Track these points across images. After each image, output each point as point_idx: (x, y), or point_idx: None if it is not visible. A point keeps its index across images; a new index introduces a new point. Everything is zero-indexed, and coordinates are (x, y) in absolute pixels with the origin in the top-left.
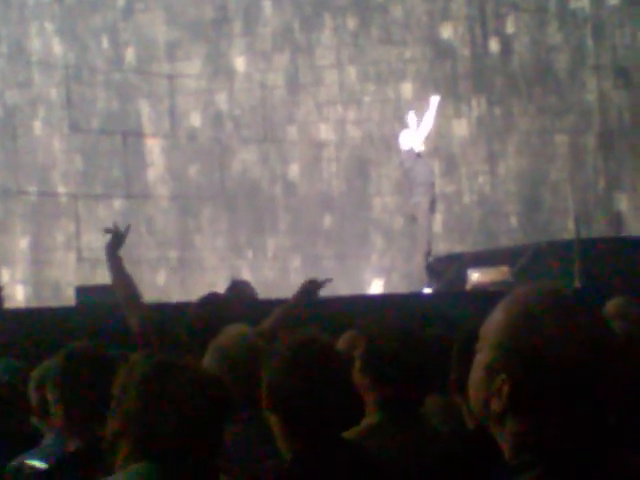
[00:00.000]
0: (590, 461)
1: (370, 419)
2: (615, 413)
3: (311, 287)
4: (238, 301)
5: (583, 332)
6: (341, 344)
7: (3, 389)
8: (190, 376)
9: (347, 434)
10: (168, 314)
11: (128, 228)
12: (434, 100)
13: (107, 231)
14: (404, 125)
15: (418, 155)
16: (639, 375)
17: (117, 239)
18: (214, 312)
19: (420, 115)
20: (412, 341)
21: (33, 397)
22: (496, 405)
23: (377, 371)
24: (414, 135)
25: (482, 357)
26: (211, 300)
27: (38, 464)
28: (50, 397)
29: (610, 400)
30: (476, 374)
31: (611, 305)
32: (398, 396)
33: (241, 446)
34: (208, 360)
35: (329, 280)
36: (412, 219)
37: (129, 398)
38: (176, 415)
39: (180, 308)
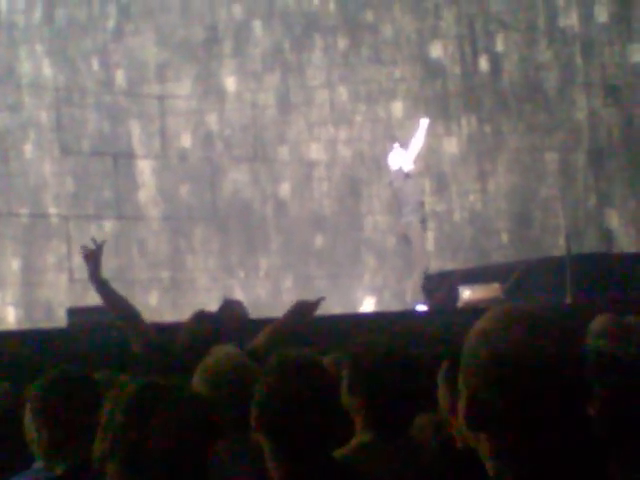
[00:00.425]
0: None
1: (359, 438)
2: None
3: (302, 308)
4: (229, 320)
5: (527, 347)
6: (328, 364)
7: None
8: (178, 399)
9: (336, 453)
10: (161, 335)
11: (101, 245)
12: (424, 122)
13: (84, 252)
14: (393, 145)
15: (407, 175)
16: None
17: (93, 262)
18: (207, 331)
19: (410, 135)
20: (398, 360)
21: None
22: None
23: (363, 391)
24: (403, 155)
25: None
26: (202, 319)
27: None
28: (32, 423)
29: (575, 415)
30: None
31: (596, 323)
32: (386, 415)
33: (227, 467)
34: (197, 381)
35: (322, 299)
36: (404, 238)
37: (116, 420)
38: (163, 438)
39: (173, 328)
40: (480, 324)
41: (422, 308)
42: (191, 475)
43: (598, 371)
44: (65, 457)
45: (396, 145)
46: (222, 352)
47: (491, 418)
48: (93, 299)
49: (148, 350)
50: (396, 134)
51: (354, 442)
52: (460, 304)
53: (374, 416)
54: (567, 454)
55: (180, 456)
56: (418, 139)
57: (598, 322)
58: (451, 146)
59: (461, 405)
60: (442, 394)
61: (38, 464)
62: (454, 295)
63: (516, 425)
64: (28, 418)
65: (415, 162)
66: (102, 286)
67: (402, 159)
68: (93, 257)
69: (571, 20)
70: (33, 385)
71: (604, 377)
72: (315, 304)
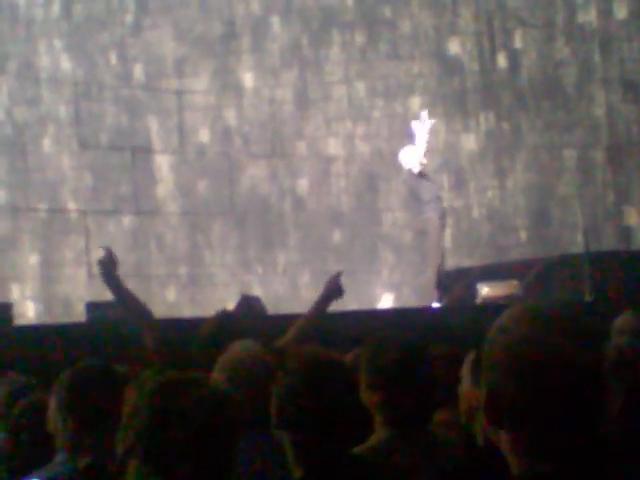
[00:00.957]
0: (601, 477)
1: (378, 435)
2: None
3: (329, 288)
4: (248, 318)
5: (545, 345)
6: (349, 360)
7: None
8: (201, 392)
9: (356, 450)
10: (179, 330)
11: (111, 253)
12: (424, 116)
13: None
14: (406, 142)
15: (420, 174)
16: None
17: (109, 263)
18: (224, 329)
19: (418, 132)
20: (416, 355)
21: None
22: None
23: (382, 387)
24: (412, 154)
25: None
26: (223, 318)
27: None
28: (57, 414)
29: (590, 411)
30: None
31: (620, 319)
32: (405, 412)
33: (248, 463)
34: (216, 376)
35: (340, 272)
36: (423, 234)
37: (139, 414)
38: (186, 432)
39: (191, 324)
40: (500, 320)
41: (437, 305)
42: (216, 471)
43: (619, 368)
44: (90, 449)
45: (409, 140)
46: (241, 347)
47: (510, 413)
48: (110, 295)
49: (159, 345)
50: (412, 131)
51: (373, 438)
52: (478, 301)
53: (393, 412)
54: (585, 451)
55: (204, 452)
56: (422, 137)
57: (622, 319)
58: (469, 142)
59: (481, 400)
60: (465, 389)
61: (60, 457)
62: (472, 292)
63: (535, 421)
64: (53, 409)
65: (425, 160)
66: (116, 285)
67: (411, 159)
68: (111, 260)
69: (590, 16)
70: (59, 376)
71: (625, 373)
72: (337, 277)
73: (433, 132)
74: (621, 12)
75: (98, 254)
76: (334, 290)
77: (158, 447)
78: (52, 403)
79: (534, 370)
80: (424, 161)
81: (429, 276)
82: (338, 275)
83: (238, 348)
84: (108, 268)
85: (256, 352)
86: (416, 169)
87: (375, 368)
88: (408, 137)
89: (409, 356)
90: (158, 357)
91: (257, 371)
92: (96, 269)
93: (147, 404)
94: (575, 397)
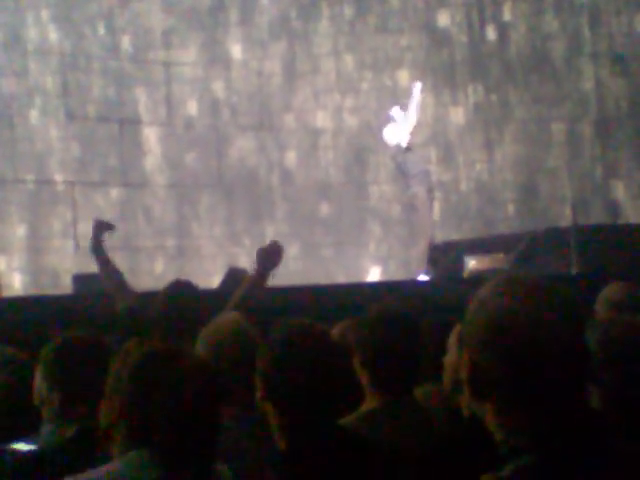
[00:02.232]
0: (585, 448)
1: (367, 405)
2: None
3: (263, 256)
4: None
5: (524, 314)
6: (336, 333)
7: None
8: (183, 363)
9: (344, 421)
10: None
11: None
12: (417, 88)
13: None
14: (390, 116)
15: (407, 148)
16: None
17: (101, 231)
18: (183, 299)
19: (405, 108)
20: (403, 325)
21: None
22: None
23: (370, 358)
24: (399, 129)
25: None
26: (177, 287)
27: (24, 446)
28: (43, 384)
29: (573, 381)
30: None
31: (610, 291)
32: (392, 380)
33: (233, 435)
34: (201, 349)
35: (276, 241)
36: (411, 208)
37: (123, 386)
38: (171, 402)
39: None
40: (479, 292)
41: (424, 278)
42: (200, 441)
43: (608, 344)
44: (76, 419)
45: (393, 117)
46: (224, 319)
47: (492, 385)
48: None
49: (129, 313)
50: (391, 113)
51: (362, 409)
52: (465, 274)
53: (380, 381)
54: (568, 424)
55: (188, 421)
56: (412, 108)
57: (608, 290)
58: (457, 115)
59: (464, 373)
60: (450, 360)
61: (46, 427)
62: (460, 265)
63: (517, 393)
64: (39, 380)
65: (413, 134)
66: (101, 255)
67: (398, 134)
68: (105, 226)
69: None
70: (46, 347)
71: (614, 350)
72: (271, 246)
73: (422, 105)
74: None
75: (86, 226)
76: (267, 259)
77: (143, 418)
78: (38, 374)
79: (513, 342)
80: (408, 138)
81: (421, 249)
82: (273, 244)
83: (222, 321)
84: (98, 238)
85: (238, 324)
86: (404, 143)
87: (363, 339)
88: (394, 113)
89: (397, 326)
90: (124, 324)
91: (239, 343)
92: (86, 241)
93: (130, 375)
94: (559, 369)
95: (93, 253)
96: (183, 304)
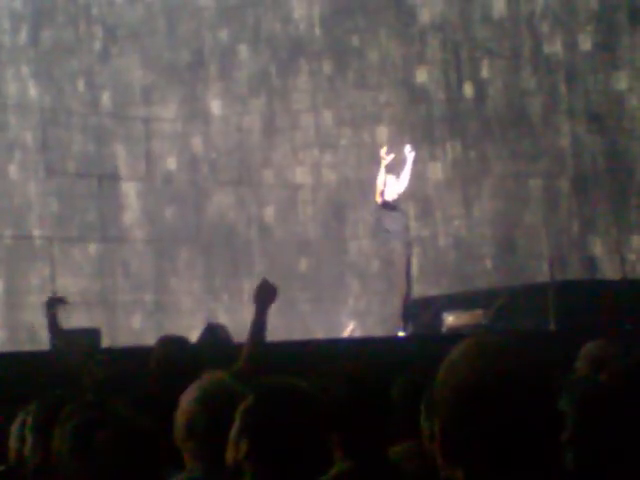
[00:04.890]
0: None
1: (338, 467)
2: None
3: (259, 295)
4: (212, 344)
5: (492, 379)
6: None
7: None
8: (118, 428)
9: None
10: (144, 358)
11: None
12: (410, 154)
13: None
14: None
15: (386, 204)
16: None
17: (55, 306)
18: (172, 355)
19: (397, 164)
20: (372, 387)
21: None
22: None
23: (337, 422)
24: (390, 190)
25: None
26: (167, 343)
27: None
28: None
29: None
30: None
31: (589, 349)
32: (362, 445)
33: None
34: (188, 407)
35: (264, 279)
36: (389, 264)
37: (61, 451)
38: (102, 467)
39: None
40: (450, 356)
41: (402, 334)
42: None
43: (583, 405)
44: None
45: (384, 176)
46: (215, 378)
47: (463, 451)
48: (77, 321)
49: (98, 385)
50: (387, 163)
51: (334, 471)
52: (444, 330)
53: (350, 445)
54: None
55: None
56: (405, 173)
57: (593, 348)
58: (436, 171)
59: (435, 437)
60: (424, 421)
61: None
62: (438, 321)
63: (488, 458)
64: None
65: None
66: (57, 328)
67: (389, 191)
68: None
69: (555, 48)
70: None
71: (589, 411)
72: (263, 284)
73: (402, 162)
74: (586, 44)
75: (64, 281)
76: (264, 295)
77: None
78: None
79: (484, 407)
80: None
81: (396, 305)
82: (264, 282)
83: (210, 379)
84: (53, 317)
85: (229, 385)
86: (391, 199)
87: (331, 402)
88: (388, 169)
89: (365, 389)
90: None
91: (230, 403)
92: (65, 290)
93: (66, 439)
94: (529, 432)
95: (51, 333)
96: (178, 359)
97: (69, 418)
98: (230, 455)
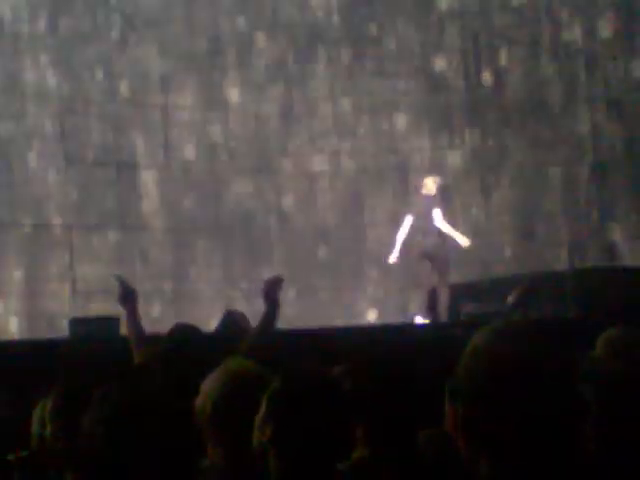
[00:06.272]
0: None
1: (360, 452)
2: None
3: (268, 290)
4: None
5: (516, 364)
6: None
7: None
8: (157, 412)
9: (340, 466)
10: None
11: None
12: (407, 220)
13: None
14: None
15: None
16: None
17: (126, 292)
18: (192, 344)
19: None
20: (399, 374)
21: None
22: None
23: (364, 406)
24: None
25: None
26: (179, 331)
27: None
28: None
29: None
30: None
31: (608, 335)
32: (387, 431)
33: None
34: (212, 392)
35: (280, 277)
36: (426, 256)
37: (95, 433)
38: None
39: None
40: (473, 341)
41: (422, 321)
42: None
43: (597, 388)
44: None
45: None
46: (240, 363)
47: (486, 437)
48: (96, 310)
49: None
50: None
51: (355, 456)
52: (462, 317)
53: (375, 431)
54: (563, 473)
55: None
56: (401, 234)
57: (612, 335)
58: (454, 159)
59: (458, 422)
60: (447, 407)
61: None
62: (457, 308)
63: (511, 444)
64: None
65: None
66: (130, 311)
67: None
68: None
69: (574, 35)
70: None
71: (601, 393)
72: (274, 280)
73: (421, 150)
74: (605, 31)
75: (83, 270)
76: (272, 297)
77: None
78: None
79: (508, 391)
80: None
81: (443, 296)
82: (275, 280)
83: (234, 363)
84: (128, 297)
85: (254, 370)
86: (391, 261)
87: (357, 387)
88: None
89: (392, 374)
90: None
91: (257, 393)
92: (83, 285)
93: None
94: (552, 417)
95: (121, 302)
96: (189, 348)
97: (103, 402)
98: (256, 439)
